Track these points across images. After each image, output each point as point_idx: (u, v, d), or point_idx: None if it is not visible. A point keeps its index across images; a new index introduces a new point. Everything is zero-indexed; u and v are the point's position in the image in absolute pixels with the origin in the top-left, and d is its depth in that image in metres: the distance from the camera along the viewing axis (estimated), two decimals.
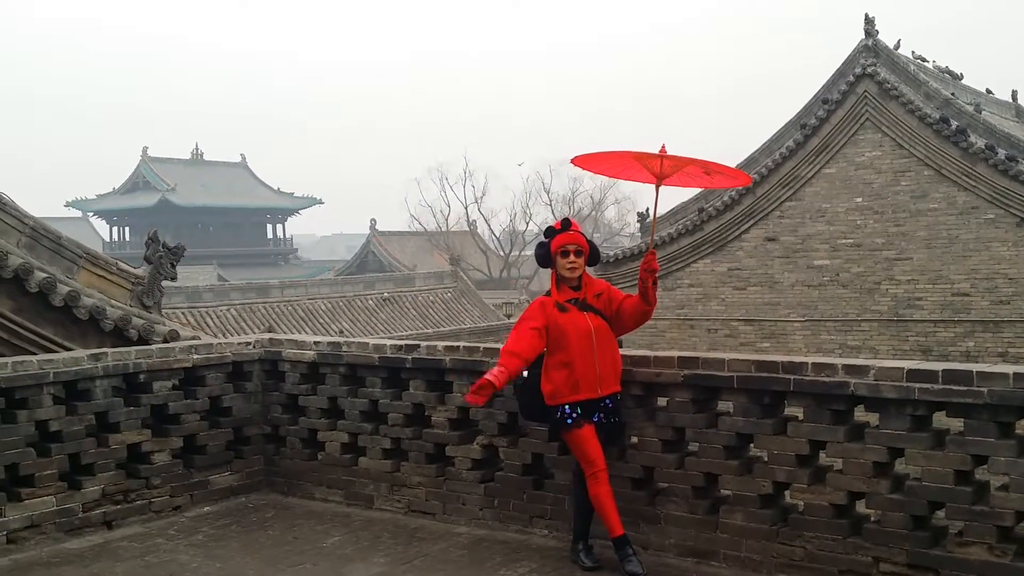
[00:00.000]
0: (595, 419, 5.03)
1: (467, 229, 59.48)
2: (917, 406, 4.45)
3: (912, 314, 21.07)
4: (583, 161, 5.15)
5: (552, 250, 5.09)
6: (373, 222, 55.07)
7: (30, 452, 5.69)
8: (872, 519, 4.65)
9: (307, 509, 6.43)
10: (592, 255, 5.15)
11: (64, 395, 5.92)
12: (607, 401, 5.06)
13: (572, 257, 5.05)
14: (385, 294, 33.96)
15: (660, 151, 4.86)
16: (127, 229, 70.73)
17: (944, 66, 26.47)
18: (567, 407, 4.99)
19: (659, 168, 4.93)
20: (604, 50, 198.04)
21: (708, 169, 5.05)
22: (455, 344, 6.12)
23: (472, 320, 34.91)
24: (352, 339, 6.81)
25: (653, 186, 5.09)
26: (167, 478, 6.34)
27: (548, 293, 5.14)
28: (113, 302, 8.25)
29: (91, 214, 73.55)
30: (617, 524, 4.91)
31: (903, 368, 4.47)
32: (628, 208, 59.14)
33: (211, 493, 6.57)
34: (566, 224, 5.16)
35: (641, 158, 4.95)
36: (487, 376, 4.78)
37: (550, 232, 5.16)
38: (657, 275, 4.92)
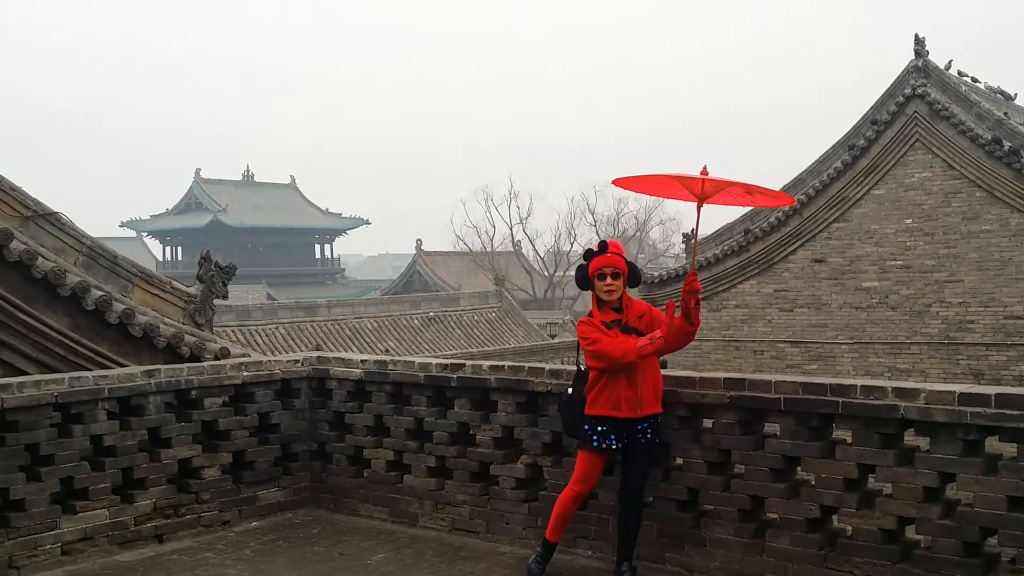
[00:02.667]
0: (638, 437, 5.04)
1: (512, 249, 59.56)
2: (969, 430, 4.38)
3: (963, 337, 20.65)
4: (625, 182, 5.18)
5: (589, 273, 5.11)
6: (419, 242, 55.45)
7: (85, 466, 5.83)
8: (922, 545, 4.57)
9: (352, 526, 6.48)
10: (632, 277, 5.15)
11: (118, 410, 6.06)
12: (646, 423, 5.07)
13: (609, 280, 5.05)
14: (430, 313, 34.14)
15: (701, 172, 4.86)
16: (179, 249, 72.09)
17: (996, 86, 26.05)
18: (599, 427, 5.01)
19: (700, 190, 4.94)
20: (648, 71, 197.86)
21: (750, 190, 5.04)
22: (500, 363, 6.14)
23: (516, 340, 34.92)
24: (398, 358, 6.87)
25: (699, 205, 5.09)
26: (216, 493, 6.44)
27: (590, 314, 5.16)
28: (166, 320, 8.43)
29: (145, 234, 75.08)
30: (558, 532, 5.24)
31: (955, 392, 4.41)
32: (673, 229, 58.81)
33: (259, 508, 6.66)
34: (603, 247, 5.15)
35: (682, 180, 4.97)
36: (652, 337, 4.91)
37: (589, 255, 5.17)
38: (699, 296, 4.91)
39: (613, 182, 5.18)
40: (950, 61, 23.52)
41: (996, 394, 4.31)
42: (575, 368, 5.35)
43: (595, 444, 5.04)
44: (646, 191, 5.63)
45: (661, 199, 50.34)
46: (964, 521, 4.40)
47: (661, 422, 5.20)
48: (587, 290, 5.21)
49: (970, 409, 4.34)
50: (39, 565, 5.54)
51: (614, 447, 5.04)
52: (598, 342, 4.96)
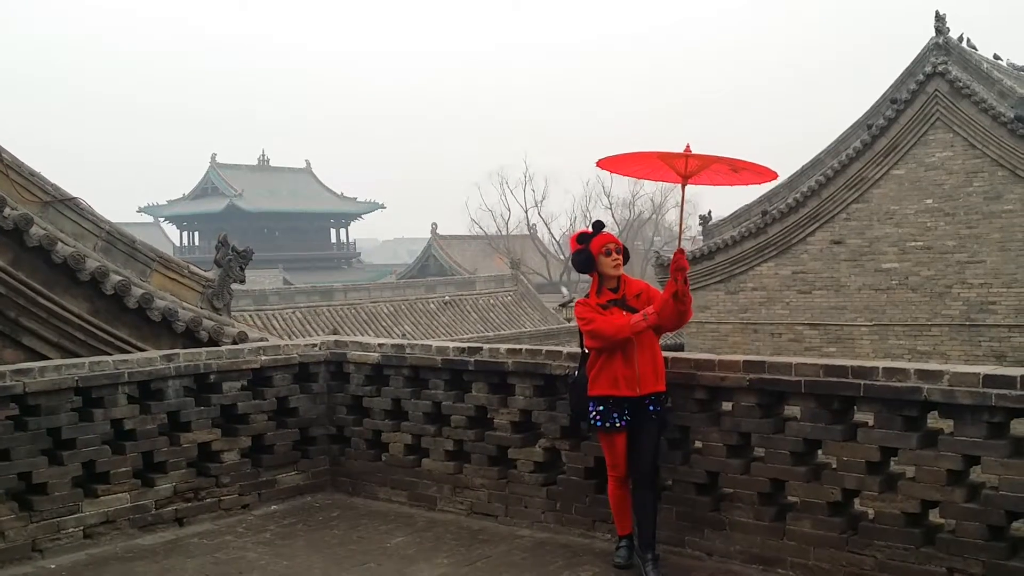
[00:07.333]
0: (643, 415, 5.02)
1: (527, 233, 59.44)
2: (994, 412, 4.32)
3: (985, 319, 20.47)
4: (608, 163, 5.14)
5: (594, 251, 5.10)
6: (434, 226, 55.42)
7: (106, 450, 5.87)
8: (946, 529, 4.53)
9: (371, 509, 6.50)
10: (624, 255, 5.19)
11: (138, 395, 6.09)
12: (647, 400, 5.04)
13: (615, 255, 5.09)
14: (446, 297, 34.14)
15: (685, 150, 4.86)
16: (196, 234, 72.39)
17: (1020, 64, 25.70)
18: (601, 407, 5.03)
19: (684, 167, 4.91)
20: (661, 46, 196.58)
21: (735, 166, 5.01)
22: (517, 347, 6.13)
23: (532, 323, 34.90)
24: (415, 341, 6.86)
25: (683, 184, 5.08)
26: (236, 477, 6.47)
27: (587, 296, 5.16)
28: (184, 304, 8.44)
29: (162, 219, 75.50)
30: (623, 522, 5.18)
31: (979, 373, 4.35)
32: (689, 211, 58.08)
33: (278, 492, 6.69)
34: (599, 225, 5.20)
35: (666, 158, 4.97)
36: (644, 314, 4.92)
37: (584, 238, 5.16)
38: (687, 273, 4.91)
39: (597, 163, 5.14)
40: (962, 34, 23.14)
41: (1021, 376, 4.25)
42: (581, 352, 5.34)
43: (598, 424, 5.06)
44: (630, 173, 5.58)
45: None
46: (989, 504, 4.35)
47: (681, 404, 5.18)
48: (587, 273, 5.19)
49: (995, 391, 4.29)
50: (62, 548, 5.59)
51: (619, 425, 5.04)
52: (593, 321, 5.00)
